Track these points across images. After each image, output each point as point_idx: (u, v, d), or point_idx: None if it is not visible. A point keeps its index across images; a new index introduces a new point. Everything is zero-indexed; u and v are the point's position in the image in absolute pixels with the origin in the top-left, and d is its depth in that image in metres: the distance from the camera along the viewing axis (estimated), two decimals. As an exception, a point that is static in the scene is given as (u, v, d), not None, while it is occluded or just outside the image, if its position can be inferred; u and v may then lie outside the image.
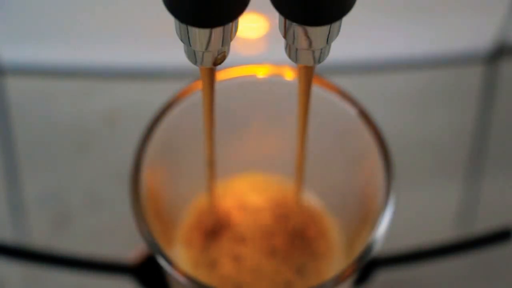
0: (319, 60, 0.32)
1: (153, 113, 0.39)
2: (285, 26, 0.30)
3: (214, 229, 0.42)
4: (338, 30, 0.30)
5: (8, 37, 0.58)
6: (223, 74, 0.40)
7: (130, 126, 0.55)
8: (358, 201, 0.40)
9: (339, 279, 0.36)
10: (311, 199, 0.43)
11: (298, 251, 0.42)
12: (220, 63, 0.32)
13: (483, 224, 0.52)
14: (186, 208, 0.43)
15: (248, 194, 0.43)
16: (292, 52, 0.31)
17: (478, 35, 0.58)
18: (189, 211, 0.43)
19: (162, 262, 0.36)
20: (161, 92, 0.43)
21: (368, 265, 0.46)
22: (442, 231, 0.52)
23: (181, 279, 0.35)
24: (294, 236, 0.42)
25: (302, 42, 0.30)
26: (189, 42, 0.30)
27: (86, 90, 0.57)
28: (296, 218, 0.43)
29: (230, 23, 0.30)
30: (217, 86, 0.34)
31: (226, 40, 0.30)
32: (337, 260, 0.42)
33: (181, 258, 0.42)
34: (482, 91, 0.57)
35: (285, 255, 0.42)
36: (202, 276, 0.41)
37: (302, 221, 0.43)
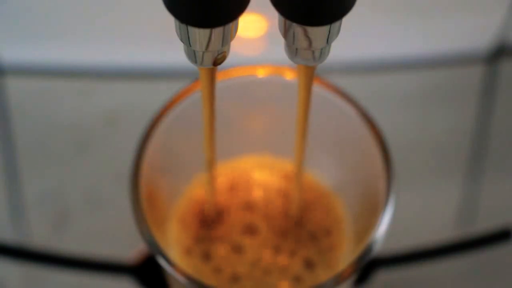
0: (319, 60, 0.32)
1: (152, 113, 0.39)
2: (285, 26, 0.30)
3: (213, 219, 0.42)
4: (338, 30, 0.30)
5: (8, 37, 0.58)
6: (223, 74, 0.40)
7: (130, 126, 0.55)
8: (358, 201, 0.40)
9: (339, 279, 0.36)
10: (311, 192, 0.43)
11: (306, 243, 0.41)
12: (220, 63, 0.32)
13: (483, 224, 0.52)
14: (184, 202, 0.42)
15: (252, 184, 0.43)
16: (292, 52, 0.31)
17: (478, 35, 0.58)
18: (187, 201, 0.42)
19: (162, 262, 0.36)
20: (161, 92, 0.43)
21: (368, 265, 0.46)
22: (442, 231, 0.52)
23: (181, 279, 0.35)
24: (300, 228, 0.42)
25: (302, 42, 0.30)
26: (189, 42, 0.30)
27: (86, 90, 0.57)
28: (300, 208, 0.42)
29: (230, 23, 0.30)
30: (217, 86, 0.34)
31: (226, 40, 0.30)
32: (347, 255, 0.41)
33: (176, 250, 0.41)
34: (482, 91, 0.57)
35: (292, 247, 0.41)
36: (196, 266, 0.41)
37: (307, 212, 0.42)
